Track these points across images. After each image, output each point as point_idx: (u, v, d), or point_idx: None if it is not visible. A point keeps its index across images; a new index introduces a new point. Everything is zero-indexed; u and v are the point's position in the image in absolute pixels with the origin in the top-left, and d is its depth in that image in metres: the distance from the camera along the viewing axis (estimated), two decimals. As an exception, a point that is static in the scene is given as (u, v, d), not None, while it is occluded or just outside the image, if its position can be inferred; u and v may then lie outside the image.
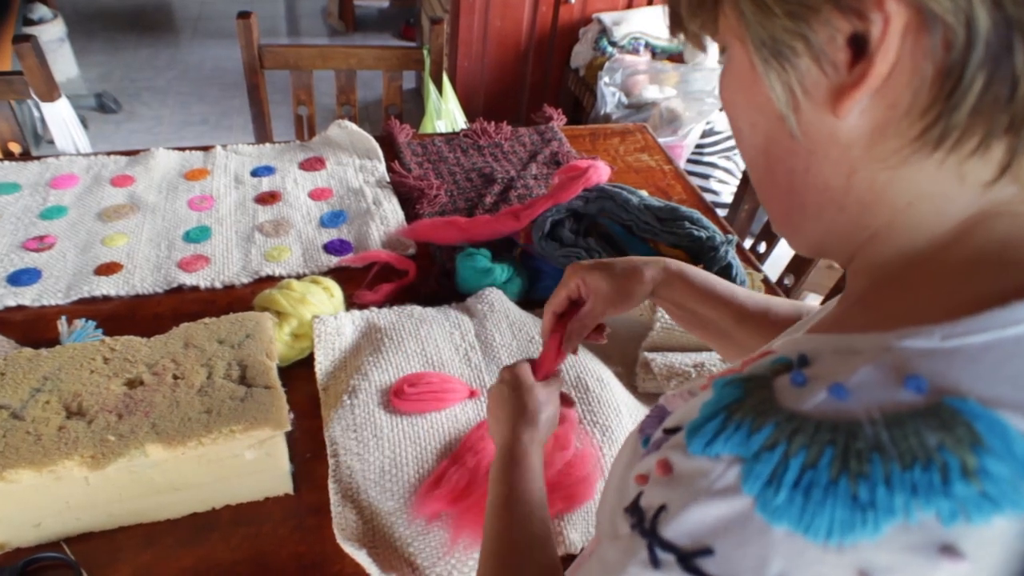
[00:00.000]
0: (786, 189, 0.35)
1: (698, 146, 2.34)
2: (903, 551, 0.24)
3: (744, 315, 0.63)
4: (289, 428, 0.70)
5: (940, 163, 0.29)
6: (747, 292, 0.65)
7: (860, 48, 0.28)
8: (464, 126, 1.56)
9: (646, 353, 0.93)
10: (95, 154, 1.25)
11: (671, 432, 0.32)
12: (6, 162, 1.20)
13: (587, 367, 0.90)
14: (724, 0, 0.32)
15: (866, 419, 0.26)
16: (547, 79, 2.89)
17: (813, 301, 1.46)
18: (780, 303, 0.63)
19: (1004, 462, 0.24)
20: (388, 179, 1.25)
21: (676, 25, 0.36)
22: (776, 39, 0.30)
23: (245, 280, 1.02)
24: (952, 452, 0.24)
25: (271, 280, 1.03)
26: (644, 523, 0.30)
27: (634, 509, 0.31)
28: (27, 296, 0.95)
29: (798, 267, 1.36)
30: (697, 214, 1.03)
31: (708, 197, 1.36)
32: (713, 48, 0.38)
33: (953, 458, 0.24)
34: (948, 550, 0.24)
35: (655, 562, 0.29)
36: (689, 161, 2.37)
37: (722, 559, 0.26)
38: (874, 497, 0.24)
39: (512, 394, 0.65)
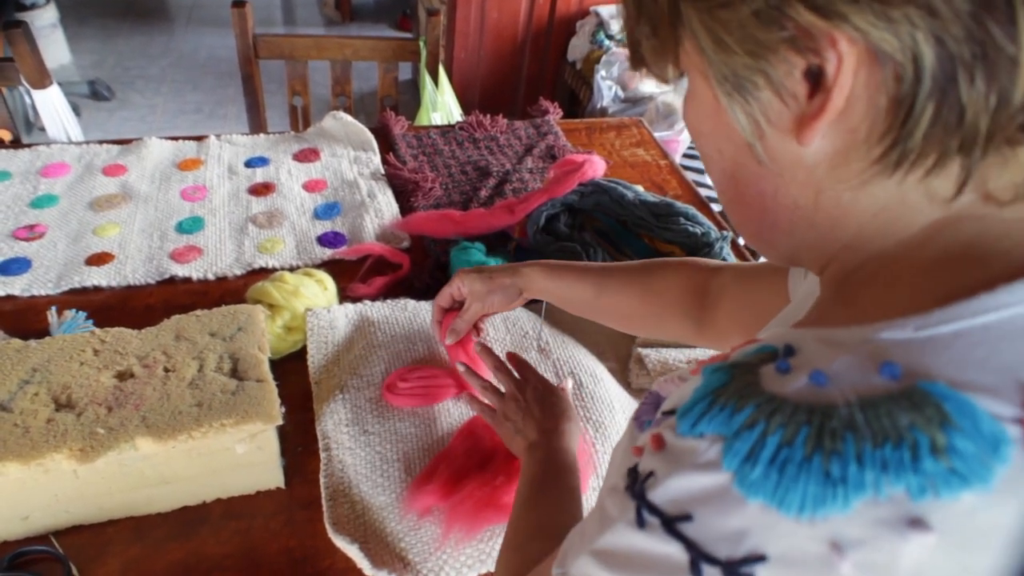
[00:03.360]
0: (758, 209, 0.37)
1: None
2: (873, 524, 0.25)
3: (603, 282, 0.74)
4: (280, 422, 0.70)
5: (900, 182, 0.31)
6: (614, 264, 0.76)
7: (818, 80, 0.30)
8: (460, 119, 1.55)
9: (640, 349, 0.93)
10: (87, 143, 1.24)
11: (668, 414, 0.34)
12: (-4, 150, 1.19)
13: (581, 363, 0.90)
14: (684, 37, 0.34)
15: (842, 401, 0.27)
16: (544, 72, 2.88)
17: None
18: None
19: (972, 440, 0.25)
20: (383, 171, 1.25)
21: (637, 62, 0.38)
22: (737, 74, 0.32)
23: (238, 272, 1.02)
24: (922, 430, 0.25)
25: (264, 272, 1.02)
26: (636, 485, 0.32)
27: (632, 471, 0.33)
28: (16, 286, 0.94)
29: (793, 264, 1.36)
30: (692, 210, 1.02)
31: (704, 192, 1.35)
32: None
33: (923, 436, 0.25)
34: (917, 523, 0.25)
35: (641, 523, 0.30)
36: (685, 156, 2.36)
37: (700, 525, 0.28)
38: (845, 473, 0.26)
39: (555, 401, 0.75)
